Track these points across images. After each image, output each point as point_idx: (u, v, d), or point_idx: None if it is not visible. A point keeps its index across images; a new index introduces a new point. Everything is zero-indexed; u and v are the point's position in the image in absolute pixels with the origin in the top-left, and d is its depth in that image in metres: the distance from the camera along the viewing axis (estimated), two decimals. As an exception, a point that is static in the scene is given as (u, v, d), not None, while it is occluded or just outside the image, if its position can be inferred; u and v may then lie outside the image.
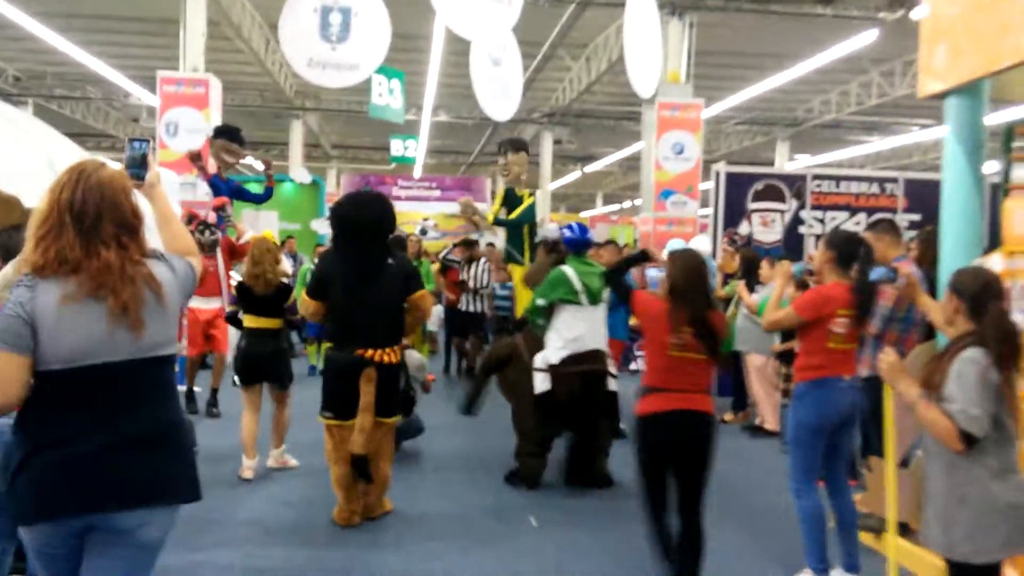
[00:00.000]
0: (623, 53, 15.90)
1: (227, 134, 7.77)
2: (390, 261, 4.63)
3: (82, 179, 2.29)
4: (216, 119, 12.30)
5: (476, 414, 6.42)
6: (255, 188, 8.10)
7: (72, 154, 8.75)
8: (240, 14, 14.96)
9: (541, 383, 5.59)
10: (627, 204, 38.86)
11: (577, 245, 5.85)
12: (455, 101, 21.76)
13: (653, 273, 8.18)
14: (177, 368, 7.74)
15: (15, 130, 8.25)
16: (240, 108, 21.49)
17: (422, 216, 25.45)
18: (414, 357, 6.27)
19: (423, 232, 25.13)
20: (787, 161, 23.25)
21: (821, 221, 8.90)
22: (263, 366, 5.81)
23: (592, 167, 29.30)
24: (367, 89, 12.12)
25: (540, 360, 5.66)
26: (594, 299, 5.66)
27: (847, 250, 4.09)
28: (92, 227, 2.25)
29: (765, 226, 8.59)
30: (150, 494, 2.29)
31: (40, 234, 2.26)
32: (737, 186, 8.61)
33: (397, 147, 21.84)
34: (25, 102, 21.03)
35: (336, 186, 27.78)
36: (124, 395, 2.27)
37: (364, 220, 4.60)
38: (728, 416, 8.06)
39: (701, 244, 8.21)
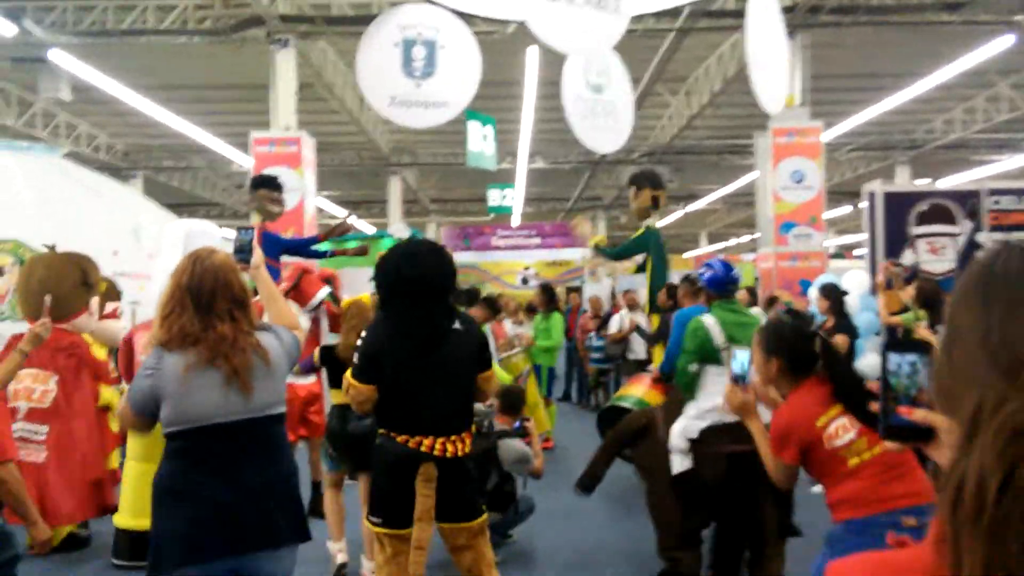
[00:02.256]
0: (725, 84, 15.31)
1: (267, 183, 7.32)
2: (458, 326, 3.53)
3: (198, 264, 2.71)
4: (311, 177, 12.07)
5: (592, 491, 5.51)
6: (325, 246, 7.68)
7: (159, 220, 8.53)
8: (332, 73, 14.86)
9: (678, 463, 4.67)
10: (732, 242, 37.45)
11: (721, 286, 4.79)
12: (551, 147, 21.27)
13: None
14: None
15: (96, 198, 8.15)
16: (337, 168, 21.57)
17: (523, 265, 24.93)
18: (512, 448, 5.08)
19: (524, 281, 24.68)
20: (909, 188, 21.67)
21: None
22: (352, 449, 4.92)
23: (694, 206, 28.24)
24: (462, 141, 11.83)
25: (676, 435, 4.72)
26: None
27: (800, 353, 3.02)
28: (208, 305, 2.66)
29: (934, 253, 7.26)
30: (280, 536, 2.71)
31: (165, 313, 2.69)
32: (896, 208, 7.36)
33: (495, 197, 21.52)
34: (134, 175, 21.67)
35: (437, 240, 27.61)
36: (242, 450, 2.67)
37: (420, 275, 3.46)
38: None
39: (856, 280, 7.07)
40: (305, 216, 11.58)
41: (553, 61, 13.31)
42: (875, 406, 1.24)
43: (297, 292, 6.43)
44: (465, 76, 6.60)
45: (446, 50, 6.45)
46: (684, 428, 4.69)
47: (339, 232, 7.97)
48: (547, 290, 11.56)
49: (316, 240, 7.78)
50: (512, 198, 22.01)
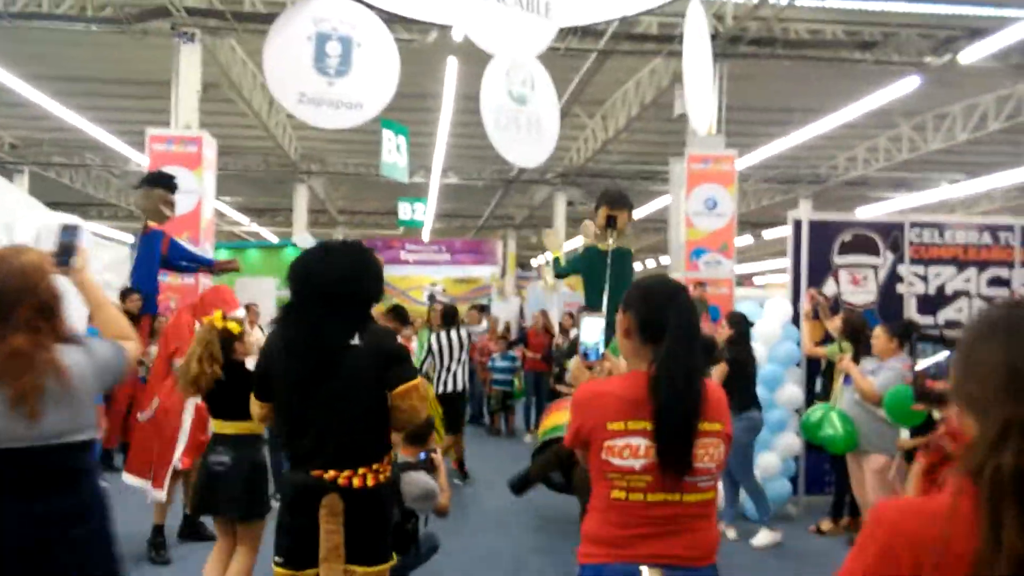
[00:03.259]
0: (642, 109, 15.36)
1: (164, 182, 6.84)
2: (355, 342, 3.00)
3: (3, 266, 2.38)
4: (210, 180, 11.44)
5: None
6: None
7: (42, 220, 7.82)
8: (240, 73, 14.22)
9: None
10: (639, 267, 37.94)
11: None
12: (464, 162, 21.01)
13: None
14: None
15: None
16: (242, 174, 20.77)
17: (430, 280, 24.51)
18: (416, 483, 4.44)
19: (431, 298, 24.25)
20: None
21: (923, 278, 7.44)
22: (221, 487, 4.35)
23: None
24: (374, 151, 11.38)
25: None
26: None
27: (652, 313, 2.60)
28: (5, 313, 2.33)
29: (855, 284, 7.22)
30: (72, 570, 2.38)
31: None
32: (820, 237, 7.34)
33: (405, 210, 21.03)
34: (21, 170, 20.36)
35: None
36: (32, 480, 2.33)
37: (322, 279, 3.01)
38: (825, 525, 6.66)
39: (778, 309, 6.95)
40: (202, 220, 10.94)
41: (472, 74, 13.02)
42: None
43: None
44: (382, 78, 6.22)
45: (362, 49, 6.07)
46: None
47: (227, 270, 7.96)
48: (449, 310, 11.12)
49: (210, 264, 7.56)
50: (423, 213, 21.61)
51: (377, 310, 4.65)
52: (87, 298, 2.65)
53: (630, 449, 2.15)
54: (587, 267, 6.57)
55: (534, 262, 33.49)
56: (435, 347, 8.77)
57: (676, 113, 13.81)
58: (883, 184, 21.26)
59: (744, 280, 28.88)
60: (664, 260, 29.53)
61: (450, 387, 8.58)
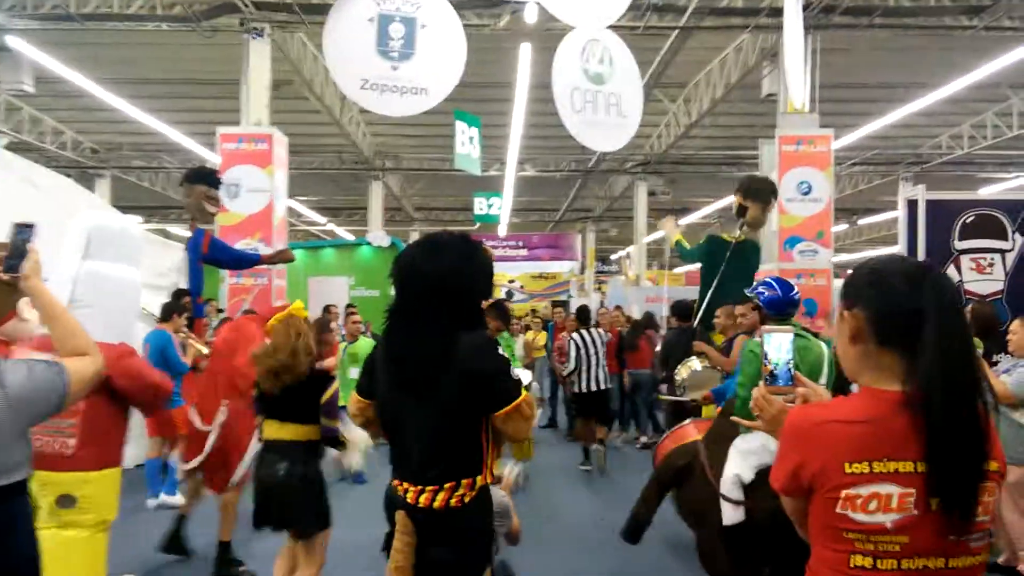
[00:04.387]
0: (727, 90, 14.55)
1: (207, 178, 6.52)
2: (463, 348, 2.69)
3: None
4: (282, 178, 11.17)
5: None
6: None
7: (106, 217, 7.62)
8: (312, 69, 13.99)
9: (730, 514, 4.07)
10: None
11: (779, 307, 4.30)
12: (540, 154, 20.46)
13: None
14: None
15: (31, 189, 7.25)
16: (316, 171, 20.67)
17: (507, 278, 24.10)
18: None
19: (508, 295, 23.83)
20: (910, 204, 20.97)
21: None
22: (274, 500, 4.07)
23: (687, 219, 27.47)
24: (447, 145, 10.94)
25: (728, 482, 4.13)
26: None
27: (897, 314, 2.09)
28: None
29: (980, 272, 6.35)
30: None
31: None
32: (938, 219, 6.48)
33: (481, 205, 20.71)
34: (103, 175, 20.70)
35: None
36: None
37: (422, 273, 2.73)
38: None
39: None
40: (274, 219, 10.68)
41: (546, 61, 12.46)
42: None
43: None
44: (448, 62, 5.74)
45: (427, 30, 5.60)
46: (736, 474, 4.11)
47: (281, 260, 7.44)
48: (583, 309, 10.64)
49: (258, 260, 7.16)
50: (499, 207, 21.19)
51: (298, 309, 4.33)
52: (39, 308, 2.39)
53: (879, 500, 1.58)
54: (708, 257, 6.24)
55: (614, 256, 32.77)
56: (579, 347, 9.22)
57: (764, 93, 13.02)
58: (991, 163, 19.84)
59: (840, 272, 27.60)
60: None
61: (595, 387, 9.14)
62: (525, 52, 12.03)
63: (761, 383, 2.02)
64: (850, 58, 12.96)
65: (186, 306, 6.88)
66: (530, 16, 10.69)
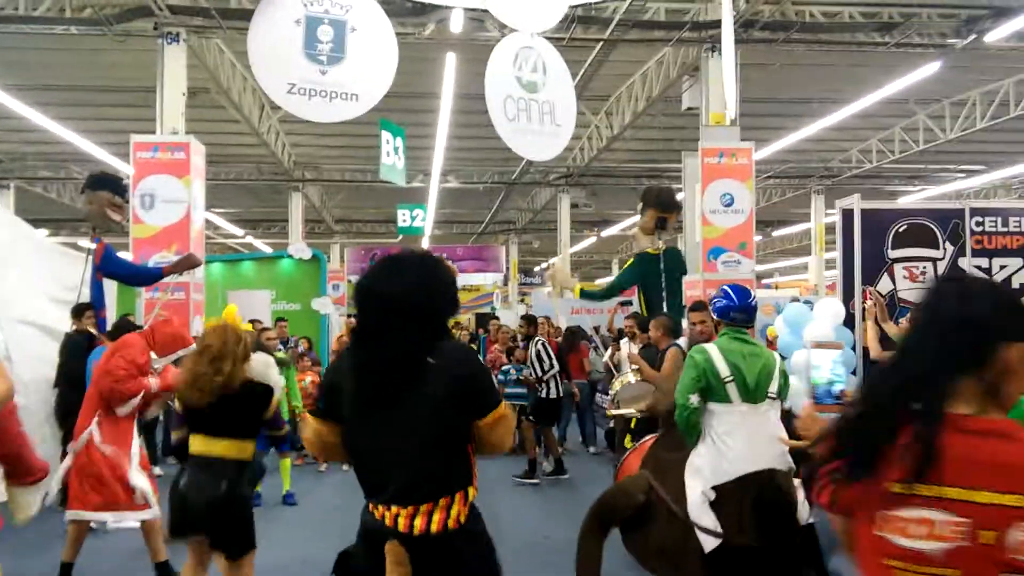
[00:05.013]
0: (648, 104, 14.76)
1: (111, 184, 6.27)
2: (431, 360, 2.62)
3: None
4: (199, 188, 10.79)
5: None
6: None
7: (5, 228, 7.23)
8: (229, 76, 13.61)
9: (709, 541, 3.87)
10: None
11: (729, 314, 4.27)
12: (464, 165, 20.39)
13: None
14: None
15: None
16: (234, 182, 20.15)
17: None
18: None
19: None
20: (823, 217, 21.66)
21: (987, 271, 6.63)
22: (203, 518, 3.87)
23: (608, 231, 27.78)
24: (370, 156, 10.76)
25: (694, 504, 3.95)
26: (753, 394, 4.07)
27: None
28: None
29: (912, 280, 6.47)
30: None
31: None
32: (872, 228, 6.61)
33: (404, 217, 20.44)
34: (7, 186, 19.75)
35: (340, 262, 26.33)
36: None
37: (388, 292, 2.66)
38: None
39: (830, 309, 6.26)
40: (192, 231, 10.29)
41: (471, 71, 12.47)
42: None
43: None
44: (379, 66, 5.60)
45: (357, 34, 5.45)
46: (701, 492, 3.94)
47: (185, 268, 7.12)
48: (530, 319, 10.76)
49: (160, 274, 6.84)
50: (423, 219, 21.00)
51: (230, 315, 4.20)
52: None
53: (925, 526, 1.47)
54: (643, 275, 6.31)
55: (537, 268, 32.90)
56: (547, 352, 9.59)
57: (684, 107, 13.23)
58: (898, 177, 20.65)
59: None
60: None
61: (554, 395, 9.54)
62: (450, 62, 11.97)
63: (806, 401, 1.99)
64: (767, 73, 13.29)
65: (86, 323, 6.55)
66: (456, 25, 10.64)
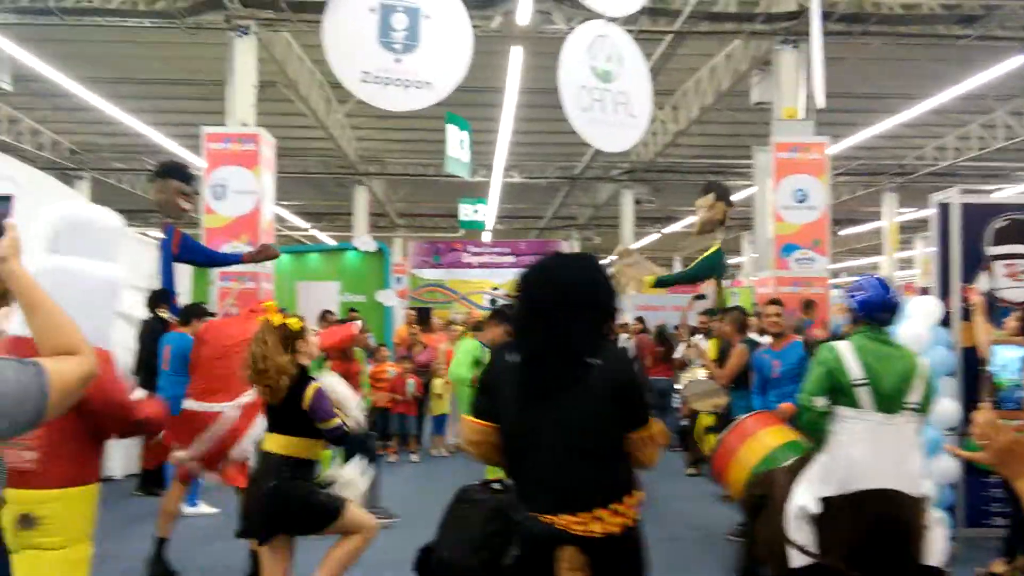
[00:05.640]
0: (717, 98, 14.48)
1: (180, 173, 6.29)
2: (595, 361, 2.57)
3: None
4: (269, 180, 10.93)
5: None
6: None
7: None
8: (297, 70, 13.75)
9: (795, 557, 3.51)
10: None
11: (873, 311, 3.77)
12: (527, 160, 20.31)
13: None
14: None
15: (12, 188, 6.98)
16: (300, 176, 20.40)
17: (491, 285, 23.92)
18: None
19: (492, 303, 23.61)
20: (894, 216, 21.06)
21: None
22: (274, 513, 3.87)
23: (672, 228, 27.42)
24: (433, 151, 10.74)
25: (791, 514, 3.58)
26: (888, 402, 3.59)
27: None
28: None
29: (1013, 278, 6.14)
30: None
31: None
32: (971, 223, 6.26)
33: (466, 211, 20.58)
34: (82, 176, 20.30)
35: (403, 255, 26.51)
36: None
37: (564, 282, 2.62)
38: (998, 567, 5.31)
39: (924, 307, 5.90)
40: (262, 223, 10.43)
41: (537, 65, 12.40)
42: None
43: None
44: (453, 54, 5.56)
45: (431, 21, 5.42)
46: (801, 506, 3.56)
47: (264, 257, 7.07)
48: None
49: (239, 259, 6.81)
50: (484, 213, 21.03)
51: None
52: (17, 297, 1.91)
53: None
54: (714, 267, 6.18)
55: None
56: None
57: (753, 101, 12.95)
58: (974, 176, 19.94)
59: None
60: (738, 259, 28.44)
61: None
62: (516, 55, 11.89)
63: (986, 406, 1.80)
64: (841, 68, 12.91)
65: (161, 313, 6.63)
66: (523, 18, 10.54)
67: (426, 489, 7.88)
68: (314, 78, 14.46)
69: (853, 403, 3.59)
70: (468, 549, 3.74)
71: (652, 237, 29.26)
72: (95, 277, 3.09)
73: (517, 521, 3.01)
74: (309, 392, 3.88)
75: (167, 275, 7.07)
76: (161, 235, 7.04)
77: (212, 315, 6.44)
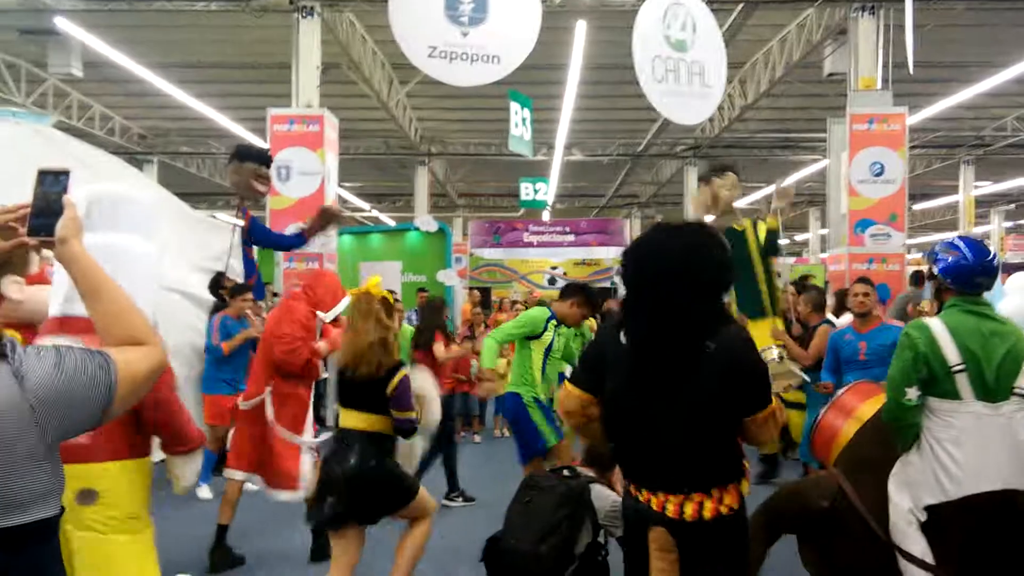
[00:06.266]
0: (787, 70, 14.02)
1: (257, 156, 6.22)
2: (708, 345, 2.48)
3: None
4: (333, 161, 10.96)
5: None
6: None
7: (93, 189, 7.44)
8: (360, 51, 13.73)
9: (915, 574, 3.01)
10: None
11: (965, 278, 3.23)
12: (588, 138, 20.04)
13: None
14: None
15: (81, 169, 7.05)
16: (362, 156, 20.48)
17: (549, 264, 23.74)
18: (606, 497, 3.73)
19: (552, 281, 23.47)
20: (971, 189, 20.26)
21: None
22: (353, 494, 3.83)
23: (737, 204, 26.81)
24: (493, 130, 10.58)
25: (898, 523, 3.07)
26: (993, 389, 3.04)
27: None
28: None
29: None
30: None
31: None
32: None
33: (527, 191, 20.37)
34: (151, 160, 20.70)
35: (463, 235, 26.51)
36: None
37: (667, 251, 2.51)
38: None
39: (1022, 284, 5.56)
40: (326, 202, 10.44)
41: (601, 40, 12.16)
42: None
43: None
44: (521, 27, 5.42)
45: (500, -8, 5.28)
46: (909, 509, 3.06)
47: (325, 223, 6.74)
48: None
49: (303, 240, 6.69)
50: (545, 192, 20.83)
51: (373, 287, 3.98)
52: (77, 281, 1.74)
53: None
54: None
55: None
56: None
57: (827, 72, 12.52)
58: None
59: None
60: (804, 236, 27.80)
61: None
62: (580, 30, 11.66)
63: None
64: (920, 35, 12.36)
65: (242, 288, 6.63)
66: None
67: (490, 472, 7.84)
68: (376, 59, 14.43)
69: (950, 393, 3.06)
70: (537, 537, 3.68)
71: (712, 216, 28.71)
72: (130, 254, 2.96)
73: (590, 507, 2.92)
74: (397, 379, 3.85)
75: (246, 257, 7.05)
76: (230, 218, 7.05)
77: (248, 290, 6.40)
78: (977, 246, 3.29)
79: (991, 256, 3.28)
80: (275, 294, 9.77)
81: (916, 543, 3.03)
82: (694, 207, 6.52)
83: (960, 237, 3.43)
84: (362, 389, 3.89)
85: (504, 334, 5.45)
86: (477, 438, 10.10)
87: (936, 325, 3.14)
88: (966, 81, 14.51)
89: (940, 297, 3.37)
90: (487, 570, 4.34)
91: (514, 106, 10.35)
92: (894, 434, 3.20)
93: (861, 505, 3.20)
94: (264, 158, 6.31)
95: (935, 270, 3.31)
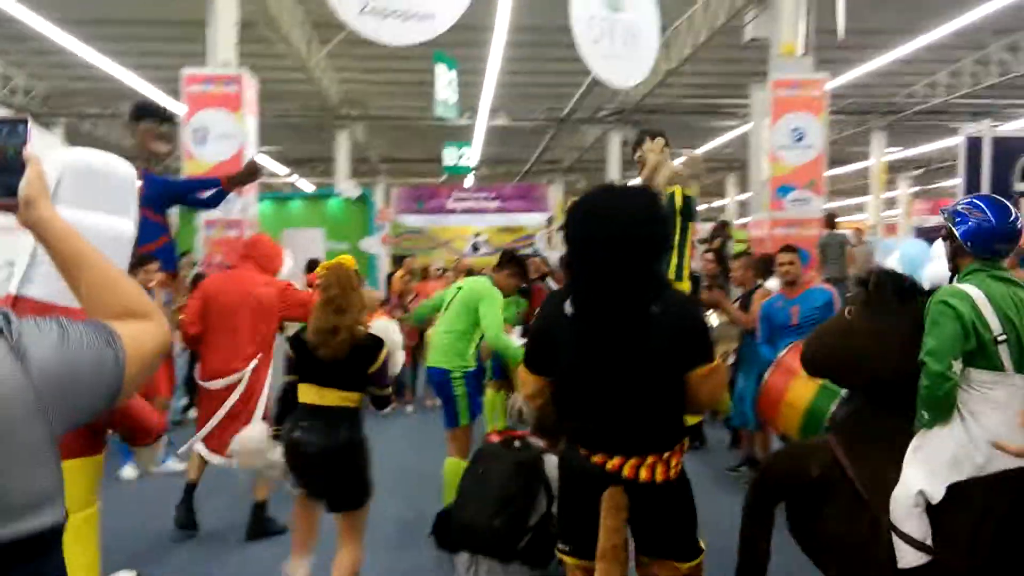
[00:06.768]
0: (710, 35, 14.13)
1: (154, 114, 5.89)
2: (656, 309, 2.49)
3: None
4: (252, 123, 10.58)
5: None
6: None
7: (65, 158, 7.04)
8: (277, 7, 13.25)
9: (909, 556, 2.89)
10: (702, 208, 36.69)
11: (988, 242, 3.05)
12: (512, 102, 19.89)
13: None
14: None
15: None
16: (280, 119, 19.90)
17: (473, 231, 23.65)
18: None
19: (475, 248, 23.39)
20: (882, 155, 20.91)
21: None
22: (318, 469, 3.67)
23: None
24: (416, 93, 10.33)
25: (902, 502, 2.93)
26: None
27: None
28: None
29: None
30: None
31: None
32: (999, 158, 6.03)
33: (451, 156, 20.20)
34: (56, 122, 19.73)
35: (385, 201, 26.15)
36: None
37: (611, 216, 2.47)
38: None
39: (914, 251, 5.76)
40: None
41: (525, 2, 12.03)
42: None
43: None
44: (456, -17, 5.28)
45: (432, -53, 5.12)
46: (920, 491, 2.89)
47: (247, 178, 6.32)
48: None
49: (216, 184, 6.10)
50: (469, 158, 20.66)
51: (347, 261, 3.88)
52: (51, 250, 1.42)
53: None
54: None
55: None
56: None
57: (747, 37, 12.64)
58: (965, 113, 19.75)
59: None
60: (722, 202, 28.33)
61: None
62: (506, -10, 11.49)
63: None
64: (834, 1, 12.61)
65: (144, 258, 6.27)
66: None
67: (422, 443, 7.73)
68: (295, 17, 13.97)
69: (994, 364, 2.90)
70: (491, 510, 3.64)
71: (637, 180, 29.02)
72: (104, 233, 2.67)
73: (543, 478, 2.94)
74: (383, 355, 3.70)
75: (142, 224, 6.64)
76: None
77: (151, 260, 5.83)
78: (1000, 207, 3.09)
79: (1014, 217, 3.09)
80: (194, 263, 9.43)
81: (915, 523, 2.90)
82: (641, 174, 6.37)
83: (982, 196, 3.26)
84: (339, 366, 3.66)
85: (500, 323, 5.23)
86: (409, 408, 10.02)
87: (975, 293, 2.95)
88: (882, 47, 14.90)
89: (955, 261, 3.20)
90: (437, 543, 4.30)
91: (440, 68, 10.19)
92: (930, 411, 2.95)
93: (855, 475, 3.10)
94: (161, 114, 5.95)
95: (957, 232, 3.11)
